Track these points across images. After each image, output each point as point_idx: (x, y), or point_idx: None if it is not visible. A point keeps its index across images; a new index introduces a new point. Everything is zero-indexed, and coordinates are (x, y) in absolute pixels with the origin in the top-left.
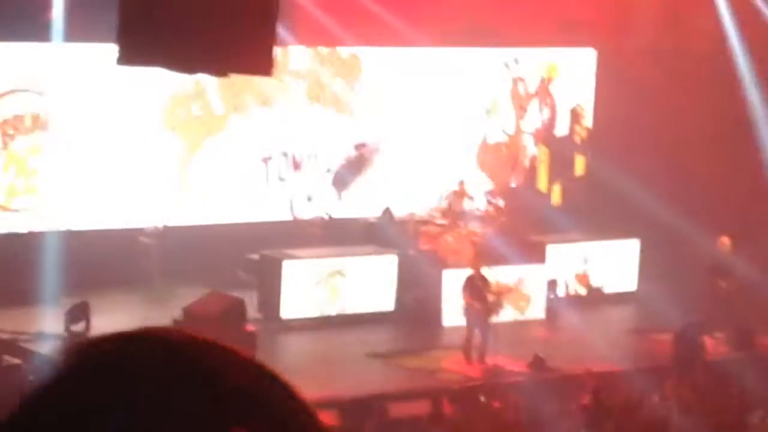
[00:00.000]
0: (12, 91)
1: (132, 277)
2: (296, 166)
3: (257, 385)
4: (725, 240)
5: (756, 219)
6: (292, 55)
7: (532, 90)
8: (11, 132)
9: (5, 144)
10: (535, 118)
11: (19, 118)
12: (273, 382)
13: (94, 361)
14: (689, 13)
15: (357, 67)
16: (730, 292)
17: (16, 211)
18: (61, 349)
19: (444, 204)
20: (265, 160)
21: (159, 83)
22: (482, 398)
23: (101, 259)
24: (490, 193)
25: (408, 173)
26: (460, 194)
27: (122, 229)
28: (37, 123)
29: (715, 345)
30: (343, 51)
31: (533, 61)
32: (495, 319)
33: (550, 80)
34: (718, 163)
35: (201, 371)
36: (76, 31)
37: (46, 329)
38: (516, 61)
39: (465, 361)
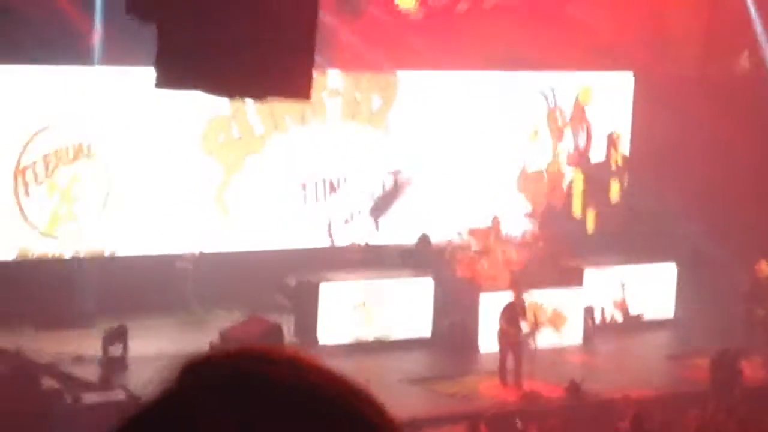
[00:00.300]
0: (53, 125)
1: (169, 302)
2: (332, 188)
3: (356, 403)
4: (763, 265)
5: None
6: (329, 75)
7: (568, 115)
8: (54, 162)
9: (48, 173)
10: (571, 143)
11: (62, 151)
12: (369, 399)
13: (205, 378)
14: (730, 36)
15: (394, 86)
16: (766, 318)
17: (58, 237)
18: (170, 366)
19: (481, 231)
20: (304, 183)
21: (198, 106)
22: (518, 423)
23: (139, 284)
24: (527, 216)
25: (446, 199)
26: (495, 230)
27: (160, 255)
28: (80, 153)
29: (753, 370)
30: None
31: (570, 86)
32: (532, 344)
33: (585, 105)
34: (757, 188)
35: (307, 391)
36: (115, 56)
37: (85, 352)
38: (553, 90)
39: (501, 385)
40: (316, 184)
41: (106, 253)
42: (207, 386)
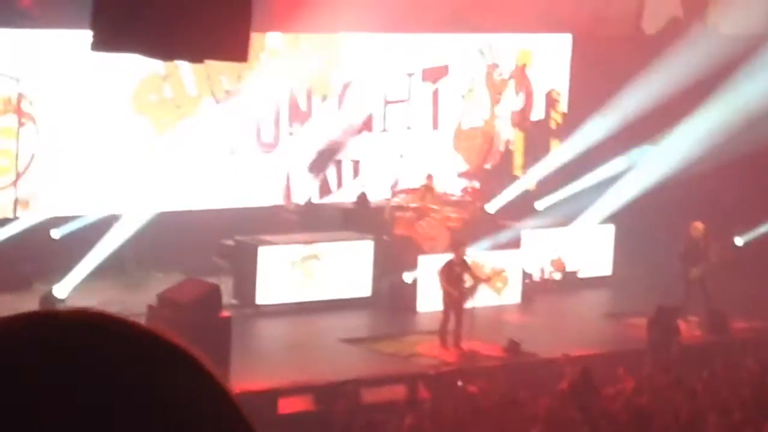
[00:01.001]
0: None
1: (107, 264)
2: (269, 147)
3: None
4: (698, 225)
5: (729, 203)
6: (268, 38)
7: (507, 75)
8: None
9: None
10: (510, 103)
11: None
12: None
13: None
14: None
15: (336, 47)
16: (702, 278)
17: None
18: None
19: (415, 190)
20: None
21: (132, 67)
22: (459, 383)
23: (76, 246)
24: (464, 176)
25: (383, 158)
26: (429, 188)
27: (97, 216)
28: (9, 106)
29: (689, 329)
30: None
31: (509, 47)
32: (470, 303)
33: (525, 66)
34: (692, 145)
35: (96, 359)
36: (51, 18)
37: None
38: (490, 47)
39: (441, 346)
40: (252, 144)
41: (38, 214)
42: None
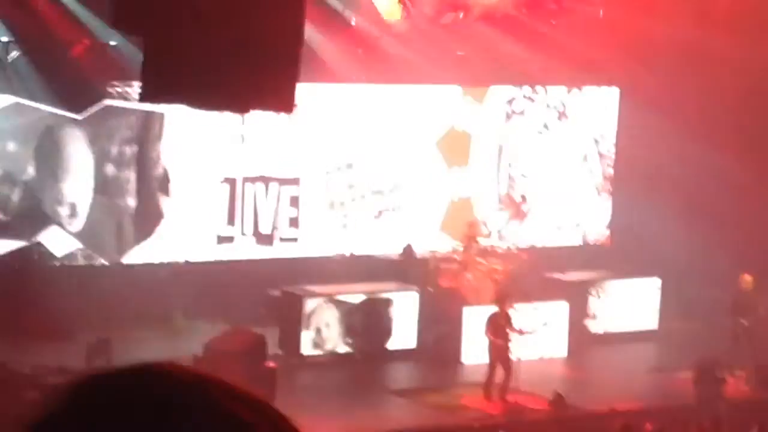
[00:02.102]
0: None
1: (153, 314)
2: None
3: (255, 422)
4: (747, 278)
5: None
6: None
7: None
8: None
9: None
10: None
11: None
12: (276, 422)
13: (89, 396)
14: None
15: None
16: (751, 331)
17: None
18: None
19: (463, 240)
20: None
21: None
22: None
23: (123, 295)
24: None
25: (429, 210)
26: (472, 237)
27: (143, 264)
28: None
29: (736, 384)
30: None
31: (553, 98)
32: (516, 355)
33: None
34: (740, 202)
35: (198, 405)
36: (101, 68)
37: (68, 365)
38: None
39: (485, 398)
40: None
41: (90, 262)
42: (90, 404)
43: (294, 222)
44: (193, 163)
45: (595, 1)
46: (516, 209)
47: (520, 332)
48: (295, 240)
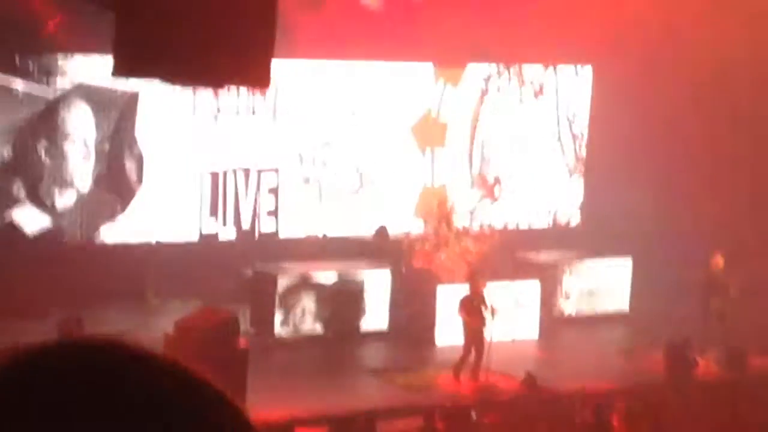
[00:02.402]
0: None
1: (125, 292)
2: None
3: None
4: (718, 259)
5: (751, 238)
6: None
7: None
8: None
9: None
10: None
11: None
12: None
13: (25, 366)
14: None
15: (355, 77)
16: (722, 312)
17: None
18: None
19: (435, 221)
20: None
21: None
22: (474, 416)
23: (95, 274)
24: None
25: (402, 190)
26: (449, 220)
27: (116, 243)
28: None
29: (706, 365)
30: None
31: (528, 76)
32: (489, 336)
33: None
34: (712, 182)
35: (135, 382)
36: (75, 43)
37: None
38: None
39: (455, 378)
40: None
41: (57, 239)
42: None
43: (273, 213)
44: (169, 146)
45: None
46: (489, 190)
47: (493, 311)
48: (276, 234)
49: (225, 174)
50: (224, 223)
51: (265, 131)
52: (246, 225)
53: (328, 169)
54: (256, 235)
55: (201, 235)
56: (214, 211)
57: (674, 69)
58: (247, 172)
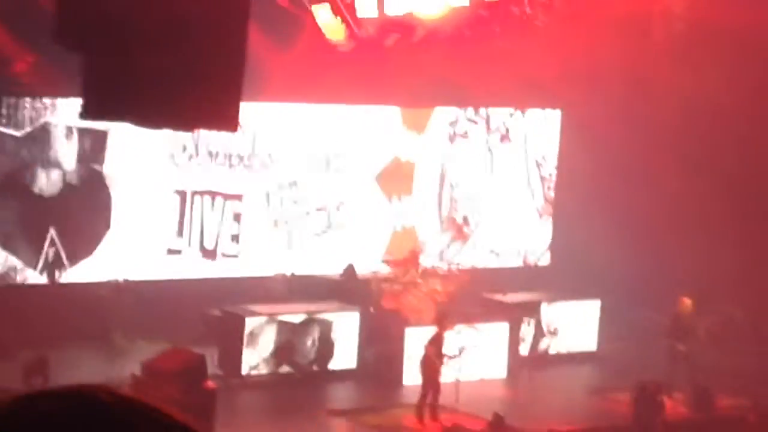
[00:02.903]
0: None
1: (91, 332)
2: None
3: None
4: (687, 301)
5: (718, 281)
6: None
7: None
8: None
9: None
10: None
11: None
12: None
13: (17, 418)
14: (655, 71)
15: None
16: (688, 354)
17: None
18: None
19: (404, 263)
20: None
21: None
22: None
23: (61, 314)
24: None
25: (370, 230)
26: (414, 260)
27: (81, 283)
28: None
29: (674, 406)
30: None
31: (496, 120)
32: (455, 377)
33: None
34: (680, 226)
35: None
36: (43, 85)
37: (3, 384)
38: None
39: (417, 418)
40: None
41: (22, 280)
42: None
43: (236, 238)
44: (137, 178)
45: (539, 26)
46: (458, 231)
47: (447, 357)
48: (236, 256)
49: (193, 196)
50: (189, 244)
51: (232, 171)
52: (217, 261)
53: (297, 209)
54: (225, 274)
55: (168, 251)
56: (179, 233)
57: (642, 113)
58: (213, 195)
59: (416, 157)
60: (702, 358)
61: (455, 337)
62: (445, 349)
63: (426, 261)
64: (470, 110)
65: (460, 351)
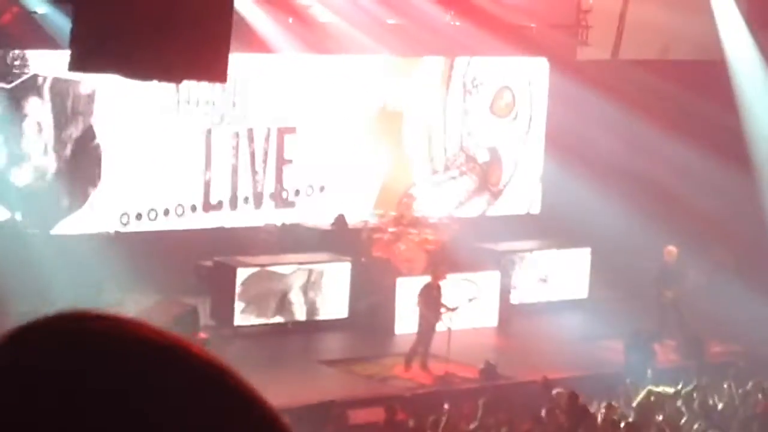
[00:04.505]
0: None
1: (84, 285)
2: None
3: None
4: (671, 249)
5: (706, 228)
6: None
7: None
8: None
9: None
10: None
11: None
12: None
13: (27, 341)
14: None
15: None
16: (677, 302)
17: None
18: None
19: (395, 213)
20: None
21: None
22: (446, 406)
23: (53, 266)
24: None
25: (360, 179)
26: (408, 206)
27: (73, 235)
28: None
29: (665, 353)
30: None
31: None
32: (447, 326)
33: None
34: (667, 174)
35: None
36: (31, 37)
37: None
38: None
39: (405, 367)
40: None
41: (14, 231)
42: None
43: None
44: (126, 129)
45: None
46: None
47: (447, 309)
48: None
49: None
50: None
51: (223, 119)
52: (215, 214)
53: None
54: (215, 225)
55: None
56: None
57: (633, 61)
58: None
59: (405, 106)
60: (691, 306)
61: (453, 290)
62: (445, 300)
63: (416, 208)
64: (460, 59)
65: (470, 300)
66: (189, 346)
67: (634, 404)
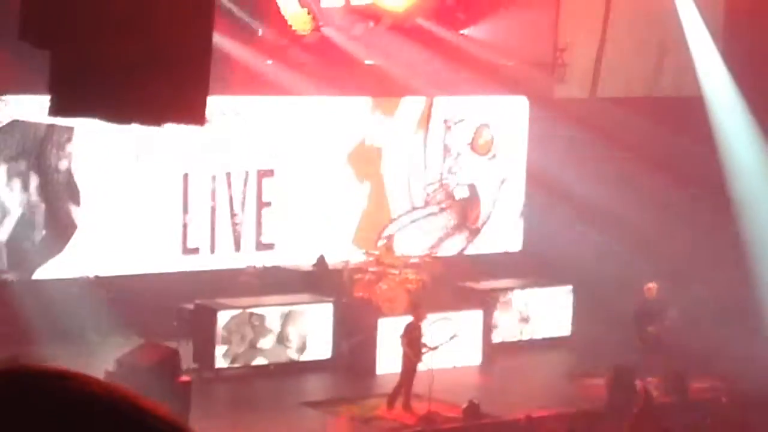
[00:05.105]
0: None
1: (64, 329)
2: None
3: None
4: (651, 286)
5: (686, 265)
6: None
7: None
8: None
9: None
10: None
11: None
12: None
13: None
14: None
15: (295, 112)
16: (659, 338)
17: None
18: None
19: (377, 253)
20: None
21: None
22: None
23: (33, 312)
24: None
25: (340, 218)
26: (389, 248)
27: (54, 279)
28: None
29: (648, 390)
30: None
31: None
32: (429, 365)
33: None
34: (647, 210)
35: (103, 412)
36: (11, 82)
37: None
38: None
39: (388, 408)
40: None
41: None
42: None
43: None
44: (104, 174)
45: (503, 11)
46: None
47: (428, 348)
48: (213, 251)
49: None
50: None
51: (200, 158)
52: (197, 256)
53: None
54: (196, 268)
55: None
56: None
57: (612, 100)
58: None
59: (384, 143)
60: (673, 342)
61: (433, 329)
62: (426, 340)
63: (396, 248)
64: (440, 99)
65: (451, 338)
66: (137, 402)
67: None
